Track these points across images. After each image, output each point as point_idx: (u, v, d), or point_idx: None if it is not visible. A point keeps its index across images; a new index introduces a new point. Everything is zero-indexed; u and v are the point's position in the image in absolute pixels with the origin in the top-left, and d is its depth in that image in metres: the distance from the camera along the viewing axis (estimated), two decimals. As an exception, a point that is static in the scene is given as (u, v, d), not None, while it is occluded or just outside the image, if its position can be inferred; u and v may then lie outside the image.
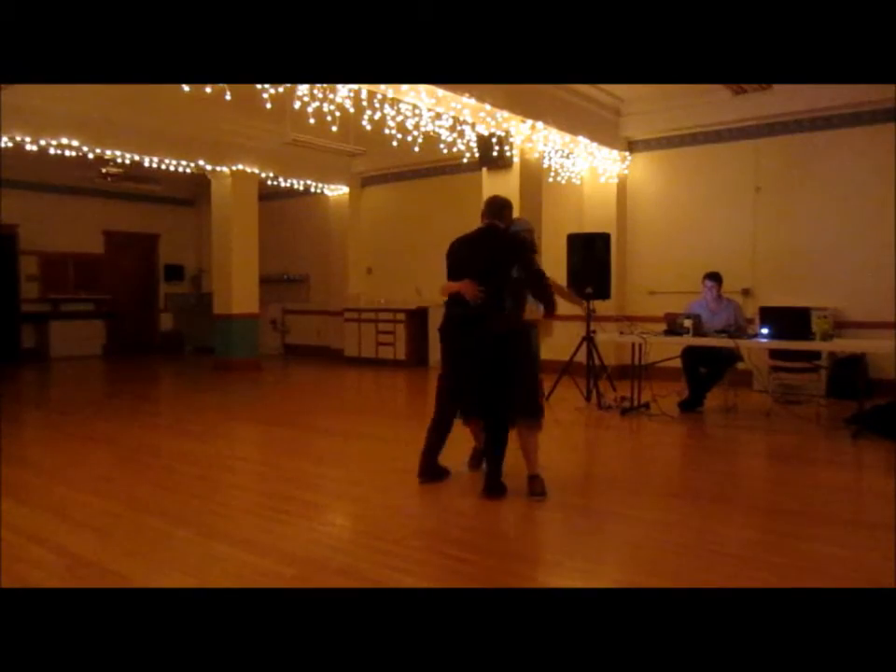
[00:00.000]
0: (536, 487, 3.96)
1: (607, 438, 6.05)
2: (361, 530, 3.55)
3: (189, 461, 4.98)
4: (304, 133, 8.90)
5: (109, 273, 13.36)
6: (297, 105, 6.41)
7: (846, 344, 6.43)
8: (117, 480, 4.46)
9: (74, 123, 8.26)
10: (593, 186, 9.23)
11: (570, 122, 7.85)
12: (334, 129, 6.77)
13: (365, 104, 6.49)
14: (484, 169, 7.76)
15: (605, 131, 8.66)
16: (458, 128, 7.21)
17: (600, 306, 7.86)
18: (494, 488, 3.95)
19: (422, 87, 6.10)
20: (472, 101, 6.43)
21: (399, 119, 6.82)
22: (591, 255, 7.39)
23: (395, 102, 6.56)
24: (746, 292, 8.15)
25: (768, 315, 6.04)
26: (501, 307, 3.97)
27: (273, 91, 6.20)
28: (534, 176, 7.87)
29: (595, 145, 8.45)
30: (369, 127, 6.89)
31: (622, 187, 9.18)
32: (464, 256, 4.13)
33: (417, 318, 10.68)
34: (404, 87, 6.11)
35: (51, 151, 8.33)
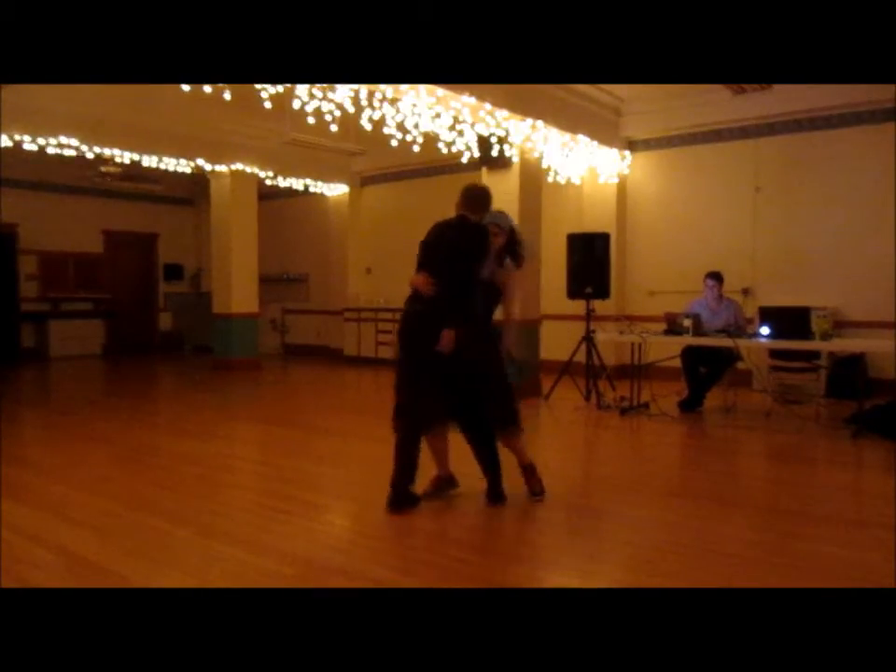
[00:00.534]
0: (535, 486, 3.87)
1: (606, 438, 6.06)
2: (361, 530, 3.55)
3: (189, 461, 4.97)
4: (304, 133, 8.89)
5: (109, 273, 13.36)
6: (296, 104, 6.41)
7: (845, 344, 6.43)
8: (116, 479, 4.46)
9: (73, 122, 8.25)
10: (592, 185, 9.22)
11: (570, 122, 7.85)
12: (334, 128, 6.77)
13: (365, 103, 6.48)
14: (484, 168, 7.76)
15: (605, 130, 8.66)
16: (458, 127, 7.20)
17: (600, 306, 7.86)
18: (496, 496, 3.83)
19: (422, 86, 6.09)
20: (472, 100, 6.43)
21: (399, 118, 6.81)
22: (590, 254, 7.38)
23: (394, 101, 6.55)
24: (745, 292, 8.15)
25: (768, 314, 6.04)
26: (458, 307, 3.59)
27: (272, 90, 6.19)
28: (534, 176, 7.87)
29: (594, 144, 8.44)
30: (368, 126, 6.88)
31: (621, 186, 9.18)
32: (428, 246, 3.80)
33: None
34: (404, 86, 6.11)
35: (50, 150, 8.32)
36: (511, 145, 7.47)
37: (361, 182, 12.16)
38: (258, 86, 6.09)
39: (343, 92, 6.29)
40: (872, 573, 2.89)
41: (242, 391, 8.77)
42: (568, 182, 9.09)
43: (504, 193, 7.63)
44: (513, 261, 3.98)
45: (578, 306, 7.76)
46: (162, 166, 9.80)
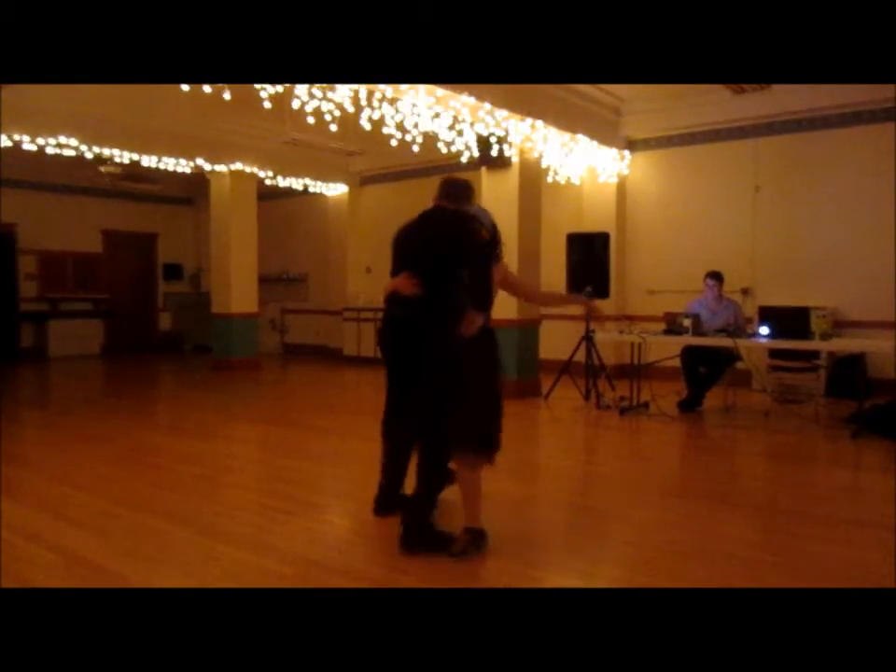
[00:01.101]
0: (457, 544, 3.03)
1: (605, 437, 6.06)
2: (361, 530, 3.55)
3: (189, 460, 4.97)
4: (303, 133, 8.90)
5: (108, 273, 13.35)
6: (296, 104, 6.40)
7: (845, 344, 6.44)
8: (116, 479, 4.46)
9: (72, 122, 8.25)
10: (592, 185, 9.22)
11: (570, 121, 7.85)
12: (333, 128, 6.76)
13: (364, 103, 6.48)
14: (484, 168, 7.76)
15: (604, 130, 8.66)
16: (457, 127, 7.21)
17: (600, 305, 7.84)
18: (410, 539, 3.10)
19: (421, 86, 6.09)
20: (472, 100, 6.43)
21: (399, 118, 6.81)
22: (590, 254, 7.39)
23: (394, 101, 6.55)
24: (745, 291, 8.15)
25: (767, 314, 6.04)
26: (446, 306, 3.15)
27: (271, 90, 6.19)
28: (533, 176, 7.87)
29: (594, 144, 8.44)
30: (368, 126, 6.88)
31: (621, 186, 9.18)
32: (403, 244, 3.46)
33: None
34: (403, 86, 6.10)
35: (50, 150, 8.32)
36: (510, 144, 7.47)
37: (361, 182, 12.16)
38: (257, 86, 6.09)
39: (343, 92, 6.28)
40: (872, 573, 2.89)
41: (241, 391, 8.77)
42: (568, 182, 9.09)
43: (503, 193, 7.65)
44: (495, 260, 3.35)
45: (577, 306, 7.75)
46: (162, 166, 9.79)
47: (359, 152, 10.82)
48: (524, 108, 7.05)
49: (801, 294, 7.56)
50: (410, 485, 3.65)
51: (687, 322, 6.25)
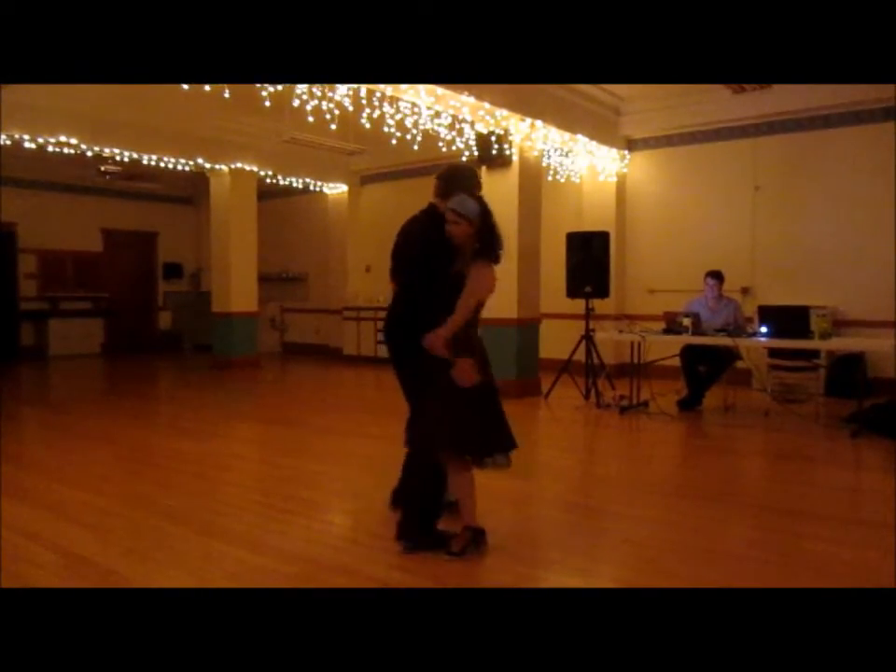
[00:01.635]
0: (455, 543, 3.04)
1: (605, 436, 6.06)
2: (361, 529, 3.55)
3: (188, 459, 4.97)
4: (303, 132, 8.90)
5: (108, 271, 13.35)
6: (296, 103, 6.40)
7: (845, 343, 6.44)
8: (115, 478, 4.46)
9: (72, 121, 8.24)
10: (592, 184, 9.22)
11: (570, 121, 7.85)
12: (333, 127, 6.77)
13: (364, 102, 6.48)
14: (484, 167, 7.75)
15: (604, 129, 8.66)
16: (457, 126, 7.21)
17: (599, 305, 7.86)
18: (405, 536, 3.12)
19: (421, 85, 6.09)
20: (471, 99, 6.43)
21: (399, 117, 6.81)
22: (590, 253, 7.38)
23: (394, 100, 6.56)
24: (745, 291, 8.15)
25: (767, 313, 6.04)
26: (416, 313, 3.11)
27: (271, 89, 6.19)
28: (533, 175, 7.86)
29: (594, 143, 8.44)
30: (368, 125, 6.88)
31: (621, 185, 9.18)
32: (395, 247, 3.46)
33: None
34: (403, 85, 6.10)
35: (50, 149, 8.32)
36: (510, 143, 7.47)
37: (361, 181, 12.16)
38: (257, 85, 6.09)
39: (343, 91, 6.29)
40: (872, 573, 2.89)
41: (241, 390, 8.77)
42: (568, 181, 9.09)
43: (503, 192, 7.64)
44: (484, 256, 3.03)
45: (577, 305, 7.76)
46: (162, 165, 9.79)
47: (359, 151, 10.82)
48: (523, 108, 7.05)
49: (801, 294, 7.56)
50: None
51: (687, 321, 6.25)
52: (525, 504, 3.98)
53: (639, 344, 6.50)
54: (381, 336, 10.70)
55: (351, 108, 6.53)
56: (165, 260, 14.29)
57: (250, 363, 10.59)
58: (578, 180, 9.25)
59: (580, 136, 8.08)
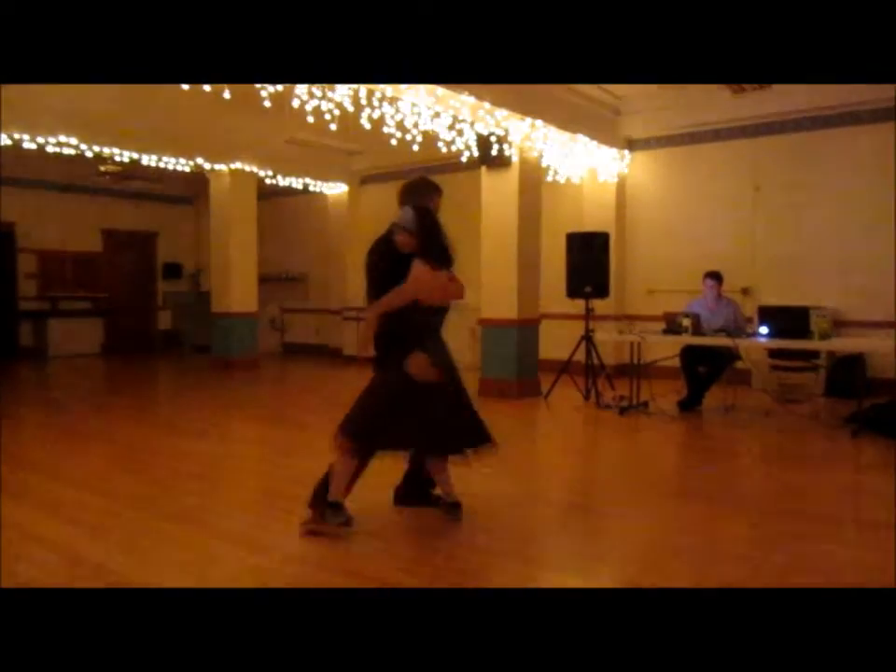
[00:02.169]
0: (311, 516, 3.33)
1: (605, 437, 6.06)
2: (361, 529, 3.55)
3: (188, 459, 4.97)
4: (303, 132, 8.89)
5: (107, 271, 13.34)
6: (296, 103, 6.40)
7: (844, 343, 6.44)
8: (115, 478, 4.46)
9: (72, 121, 8.24)
10: (592, 185, 9.22)
11: (570, 121, 7.85)
12: (333, 127, 6.76)
13: (364, 102, 6.48)
14: (483, 168, 7.76)
15: (604, 129, 8.66)
16: (457, 126, 7.20)
17: (599, 305, 7.87)
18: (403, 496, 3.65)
19: (421, 85, 6.09)
20: (471, 99, 6.42)
21: (399, 117, 6.81)
22: (590, 254, 7.38)
23: (394, 100, 6.55)
24: (745, 291, 8.15)
25: (767, 314, 6.05)
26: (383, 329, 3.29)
27: (271, 89, 6.19)
28: (533, 175, 7.86)
29: (594, 143, 8.44)
30: (368, 125, 6.88)
31: (621, 186, 9.18)
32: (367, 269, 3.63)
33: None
34: (403, 86, 6.10)
35: (50, 149, 8.31)
36: (510, 144, 7.47)
37: (360, 181, 12.15)
38: (257, 85, 6.09)
39: (343, 92, 6.28)
40: (872, 573, 2.89)
41: (241, 390, 8.77)
42: (568, 181, 9.09)
43: (503, 193, 7.65)
44: (432, 261, 3.29)
45: (577, 305, 7.76)
46: (162, 165, 9.79)
47: (359, 151, 10.81)
48: (523, 108, 7.05)
49: (800, 294, 7.56)
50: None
51: (686, 322, 6.25)
52: (525, 504, 3.98)
53: (639, 345, 6.51)
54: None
55: (351, 108, 6.53)
56: (165, 260, 14.28)
57: (250, 363, 10.58)
58: (578, 181, 9.25)
59: (580, 136, 8.08)
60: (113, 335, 13.22)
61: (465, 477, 3.95)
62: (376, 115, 6.71)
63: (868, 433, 5.49)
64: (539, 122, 7.31)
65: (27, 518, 3.63)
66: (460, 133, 7.33)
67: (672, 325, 6.42)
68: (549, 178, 8.64)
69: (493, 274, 7.77)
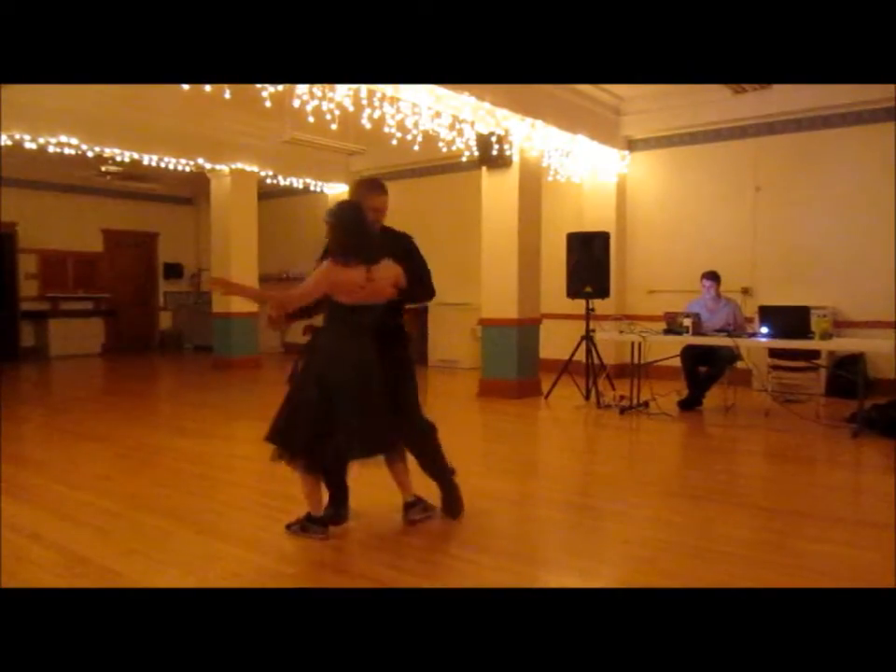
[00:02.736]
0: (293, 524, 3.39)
1: (606, 437, 6.06)
2: (361, 529, 3.55)
3: (189, 459, 4.97)
4: (303, 132, 8.88)
5: (108, 272, 13.35)
6: (296, 103, 6.40)
7: (845, 344, 6.43)
8: (116, 478, 4.46)
9: (72, 121, 8.24)
10: (592, 184, 9.22)
11: (570, 121, 7.85)
12: (333, 127, 6.76)
13: (364, 102, 6.48)
14: (484, 168, 7.76)
15: (605, 129, 8.66)
16: (458, 126, 7.20)
17: (599, 305, 7.86)
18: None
19: (421, 85, 6.09)
20: (472, 99, 6.42)
21: (399, 117, 6.80)
22: (590, 253, 7.38)
23: (394, 100, 6.55)
24: (745, 291, 8.15)
25: (767, 313, 6.05)
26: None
27: (271, 89, 6.19)
28: (533, 175, 7.86)
29: (594, 143, 8.44)
30: (368, 125, 6.87)
31: (621, 185, 9.18)
32: None
33: (417, 317, 10.67)
34: (403, 86, 6.10)
35: (50, 149, 8.31)
36: (510, 144, 7.47)
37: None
38: (258, 85, 6.09)
39: (343, 92, 6.28)
40: (872, 573, 2.89)
41: (242, 390, 8.77)
42: (568, 181, 9.09)
43: (503, 193, 7.65)
44: (341, 258, 3.37)
45: (577, 305, 7.76)
46: (162, 165, 9.79)
47: (359, 151, 10.81)
48: (524, 108, 7.05)
49: (801, 294, 7.56)
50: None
51: (687, 322, 6.25)
52: (525, 504, 3.98)
53: (639, 345, 6.50)
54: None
55: (351, 108, 6.52)
56: (166, 261, 14.29)
57: (251, 363, 10.59)
58: (578, 180, 9.25)
59: (580, 136, 8.08)
60: (114, 335, 13.23)
61: (465, 477, 3.95)
62: (376, 115, 6.71)
63: (868, 433, 5.48)
64: (539, 122, 7.30)
65: (27, 518, 3.63)
66: (460, 133, 7.32)
67: (672, 325, 6.42)
68: (549, 178, 8.64)
69: (493, 274, 7.77)
